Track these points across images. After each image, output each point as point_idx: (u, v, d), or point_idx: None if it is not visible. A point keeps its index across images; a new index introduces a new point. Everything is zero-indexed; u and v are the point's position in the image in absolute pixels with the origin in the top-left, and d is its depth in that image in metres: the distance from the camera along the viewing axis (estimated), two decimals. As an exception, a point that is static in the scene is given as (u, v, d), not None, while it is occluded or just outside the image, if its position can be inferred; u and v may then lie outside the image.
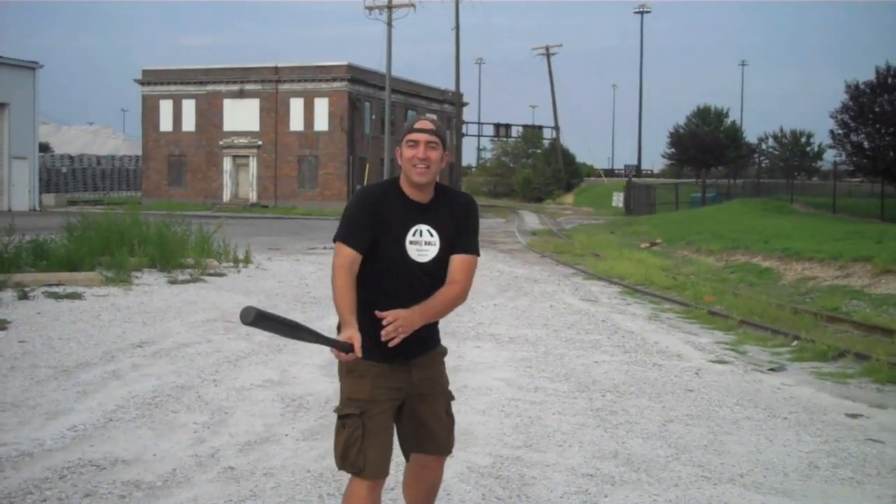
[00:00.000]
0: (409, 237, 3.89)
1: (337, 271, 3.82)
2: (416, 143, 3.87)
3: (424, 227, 3.91)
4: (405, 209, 3.89)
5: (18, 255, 15.13)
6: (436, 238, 3.92)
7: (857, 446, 6.80)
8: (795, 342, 11.33)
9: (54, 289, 13.52)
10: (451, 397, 4.20)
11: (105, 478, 5.62)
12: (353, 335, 3.66)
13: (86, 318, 11.39)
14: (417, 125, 3.92)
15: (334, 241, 3.90)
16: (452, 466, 5.88)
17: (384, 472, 3.89)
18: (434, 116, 4.04)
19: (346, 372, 3.92)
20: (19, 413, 7.02)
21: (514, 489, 5.59)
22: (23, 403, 7.30)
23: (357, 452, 3.81)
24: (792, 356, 10.65)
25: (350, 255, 3.84)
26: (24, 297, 12.67)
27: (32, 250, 15.73)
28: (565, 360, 9.79)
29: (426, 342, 4.02)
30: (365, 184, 55.44)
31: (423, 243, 3.89)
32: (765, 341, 11.65)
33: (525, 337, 11.24)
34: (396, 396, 3.96)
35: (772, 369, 9.82)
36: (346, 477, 4.80)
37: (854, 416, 7.77)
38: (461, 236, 3.99)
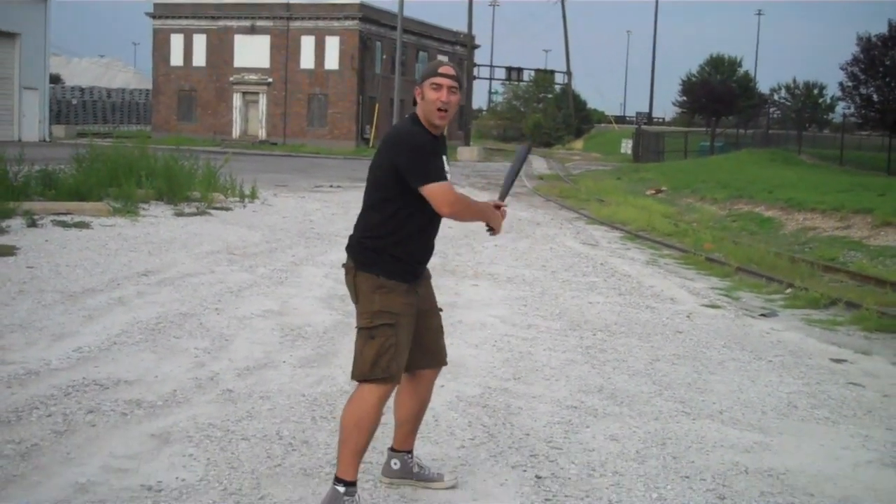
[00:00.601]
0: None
1: (457, 196, 4.16)
2: (439, 87, 4.13)
3: (444, 158, 4.26)
4: (434, 143, 4.18)
5: (28, 183, 15.35)
6: (448, 167, 4.28)
7: (837, 389, 7.00)
8: (789, 290, 11.51)
9: (62, 217, 13.74)
10: (440, 309, 4.59)
11: (108, 396, 5.85)
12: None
13: (93, 247, 11.61)
14: (441, 70, 4.16)
15: (427, 184, 4.07)
16: (442, 395, 6.11)
17: (400, 381, 4.26)
18: (446, 59, 4.26)
19: (372, 289, 4.15)
20: (26, 334, 7.25)
21: (500, 418, 5.82)
22: (30, 325, 7.53)
23: (389, 360, 4.11)
24: (785, 303, 10.83)
25: (447, 185, 4.13)
26: (32, 224, 12.89)
27: (41, 179, 15.95)
28: (560, 300, 9.99)
29: (428, 261, 4.44)
30: (374, 124, 55.46)
31: (446, 172, 4.22)
32: (759, 288, 11.83)
33: (523, 277, 11.44)
34: (413, 313, 4.26)
35: (763, 315, 10.02)
36: (340, 402, 5.00)
37: (838, 360, 7.97)
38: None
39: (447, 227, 16.03)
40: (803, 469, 5.20)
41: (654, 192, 28.77)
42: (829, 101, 67.14)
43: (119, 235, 12.75)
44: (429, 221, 4.25)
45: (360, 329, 4.20)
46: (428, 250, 4.37)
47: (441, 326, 4.55)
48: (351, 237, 4.28)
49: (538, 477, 4.85)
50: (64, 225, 13.18)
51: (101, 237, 12.50)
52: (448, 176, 4.20)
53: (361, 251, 4.20)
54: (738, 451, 5.44)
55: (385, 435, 4.91)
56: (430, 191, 4.06)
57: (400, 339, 4.16)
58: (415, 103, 4.25)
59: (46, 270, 9.89)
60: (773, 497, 4.76)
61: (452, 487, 4.62)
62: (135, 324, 7.77)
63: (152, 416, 5.52)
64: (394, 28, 53.16)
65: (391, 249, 4.16)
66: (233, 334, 7.66)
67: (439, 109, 4.12)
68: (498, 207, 4.44)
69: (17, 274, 9.61)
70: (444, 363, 4.56)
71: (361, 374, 4.15)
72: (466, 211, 4.25)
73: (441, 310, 4.59)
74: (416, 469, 4.60)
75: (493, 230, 4.42)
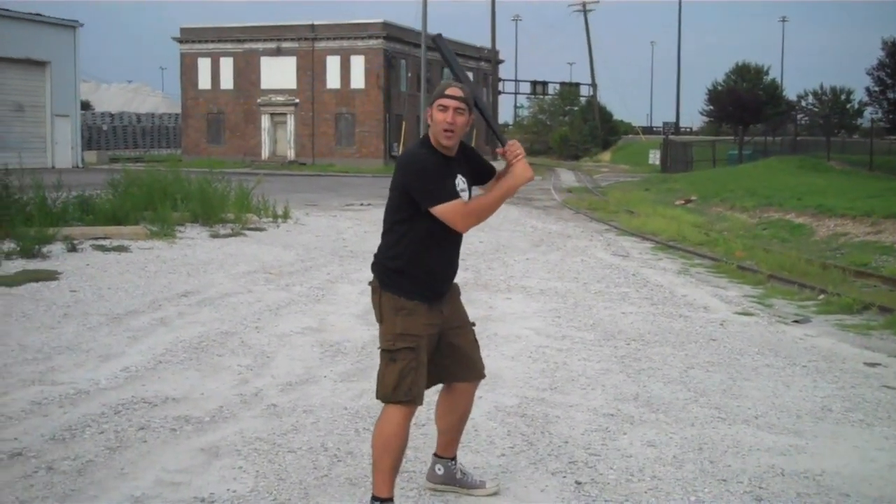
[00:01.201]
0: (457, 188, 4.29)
1: (468, 210, 4.20)
2: (445, 109, 4.22)
3: (459, 177, 4.32)
4: (445, 164, 4.27)
5: (66, 209, 15.66)
6: (465, 185, 4.34)
7: (871, 392, 7.06)
8: (822, 296, 11.55)
9: (101, 242, 14.03)
10: (473, 323, 4.67)
11: (157, 413, 6.04)
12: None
13: (133, 270, 11.86)
14: (448, 91, 4.25)
15: (435, 205, 4.15)
16: (481, 406, 6.25)
17: (422, 401, 4.32)
18: (465, 85, 4.35)
19: (394, 311, 4.27)
20: (74, 356, 7.47)
21: (538, 426, 5.94)
22: (77, 347, 7.75)
23: (411, 383, 4.23)
24: (818, 309, 10.88)
25: (457, 203, 4.18)
26: (73, 249, 13.17)
27: (79, 205, 16.26)
28: (593, 311, 10.10)
29: (452, 279, 4.49)
30: (402, 141, 55.73)
31: (460, 191, 4.28)
32: (792, 295, 11.88)
33: (555, 289, 11.56)
34: (434, 333, 4.36)
35: (796, 321, 10.07)
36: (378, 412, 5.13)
37: (872, 364, 8.02)
38: (482, 168, 4.53)
39: (478, 242, 16.23)
40: (838, 470, 5.28)
41: (683, 202, 28.78)
42: (856, 106, 66.81)
43: (157, 258, 13.01)
44: (446, 239, 4.31)
45: (382, 350, 4.32)
46: (450, 268, 4.44)
47: (475, 340, 4.63)
48: (374, 257, 4.42)
49: (578, 483, 4.97)
50: (103, 249, 13.46)
51: (140, 260, 12.75)
52: (463, 194, 4.28)
53: (384, 272, 4.32)
54: (774, 454, 5.53)
55: (428, 445, 5.04)
56: (440, 212, 4.16)
57: (420, 360, 4.26)
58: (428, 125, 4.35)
59: (89, 294, 10.13)
60: (809, 498, 4.85)
61: (495, 494, 4.75)
62: (178, 343, 7.97)
63: (201, 432, 5.69)
64: (418, 45, 53.50)
65: (411, 270, 4.26)
66: (274, 351, 7.83)
67: (445, 130, 4.20)
68: (506, 167, 4.38)
69: (62, 298, 9.86)
70: (482, 376, 4.65)
71: (385, 396, 4.28)
72: (485, 214, 4.29)
73: (474, 324, 4.68)
74: (459, 475, 4.74)
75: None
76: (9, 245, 12.80)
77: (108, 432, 5.63)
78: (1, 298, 9.68)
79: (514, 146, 4.32)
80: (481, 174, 4.52)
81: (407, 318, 4.25)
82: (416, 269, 4.27)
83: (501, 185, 4.30)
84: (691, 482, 5.01)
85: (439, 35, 4.50)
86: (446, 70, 62.48)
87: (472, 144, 4.57)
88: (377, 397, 4.34)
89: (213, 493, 4.72)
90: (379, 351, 4.35)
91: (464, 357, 4.53)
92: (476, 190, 4.41)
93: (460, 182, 4.32)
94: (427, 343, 4.31)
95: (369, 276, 4.49)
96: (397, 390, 4.23)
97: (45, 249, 12.87)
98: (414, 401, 4.26)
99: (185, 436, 5.62)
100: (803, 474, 5.20)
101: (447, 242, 4.34)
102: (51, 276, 11.07)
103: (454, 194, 4.21)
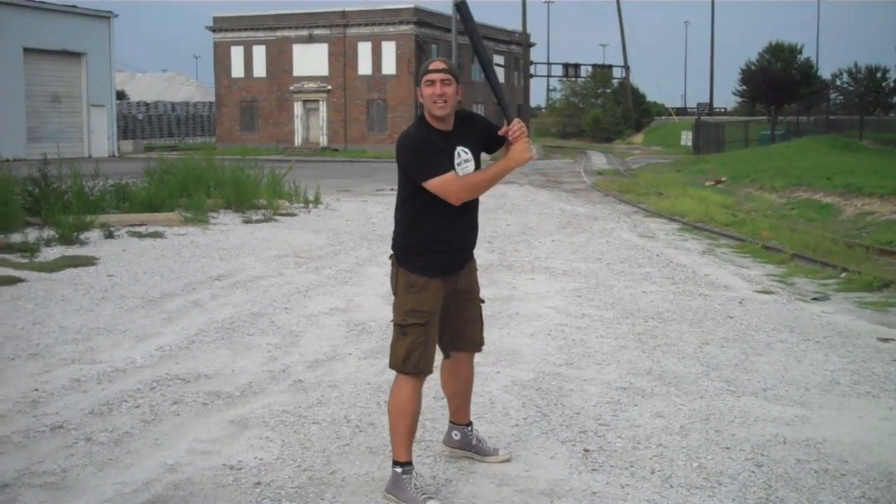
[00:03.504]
0: (455, 160, 4.47)
1: (461, 184, 4.37)
2: (432, 83, 4.42)
3: (460, 149, 4.51)
4: (441, 139, 4.47)
5: (103, 197, 16.10)
6: (470, 155, 4.54)
7: (882, 366, 7.23)
8: (844, 274, 11.66)
9: (137, 228, 14.45)
10: (482, 301, 4.91)
11: (189, 389, 6.37)
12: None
13: (168, 255, 12.24)
14: (432, 66, 4.47)
15: (427, 180, 4.35)
16: (498, 380, 6.55)
17: (432, 370, 4.59)
18: (444, 59, 4.58)
19: (407, 287, 4.52)
20: (112, 337, 7.82)
21: (552, 399, 6.20)
22: (114, 329, 8.11)
23: (420, 356, 4.50)
24: (838, 287, 11.00)
25: (449, 176, 4.37)
26: (109, 236, 13.58)
27: (115, 193, 16.72)
28: (614, 291, 10.32)
29: (471, 254, 4.74)
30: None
31: (463, 161, 4.49)
32: (814, 274, 12.00)
33: (578, 270, 11.78)
34: (442, 305, 4.61)
35: (815, 299, 10.21)
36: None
37: (886, 339, 8.16)
38: (490, 134, 4.65)
39: (506, 225, 16.43)
40: (840, 439, 5.49)
41: (713, 182, 28.80)
42: (892, 84, 66.00)
43: (192, 243, 13.38)
44: (456, 211, 4.46)
45: (394, 323, 4.58)
46: (467, 239, 4.63)
47: (479, 317, 4.85)
48: (393, 232, 4.66)
49: (586, 450, 5.22)
50: (139, 235, 13.86)
51: (174, 245, 13.13)
52: (468, 164, 4.46)
53: (399, 249, 4.57)
54: (779, 424, 5.75)
55: (445, 416, 5.32)
56: (432, 186, 4.36)
57: (430, 335, 4.52)
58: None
59: (126, 278, 10.50)
60: (808, 464, 5.07)
61: (507, 461, 5.02)
62: (211, 324, 8.31)
63: (231, 406, 6.01)
64: (448, 30, 53.64)
65: (423, 245, 4.48)
66: (302, 331, 8.15)
67: (436, 102, 4.40)
68: (508, 147, 4.54)
69: (99, 282, 10.23)
70: (478, 349, 4.89)
71: (395, 366, 4.55)
72: (478, 189, 4.45)
73: (483, 300, 4.91)
74: (474, 441, 5.03)
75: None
76: (48, 232, 13.22)
77: (144, 406, 5.96)
78: (42, 283, 10.07)
79: (517, 126, 4.49)
80: (491, 140, 4.64)
81: (418, 294, 4.49)
82: (427, 243, 4.48)
83: (499, 163, 4.48)
84: (695, 449, 5.25)
85: (463, 2, 4.59)
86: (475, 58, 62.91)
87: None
88: (389, 366, 4.60)
89: (241, 460, 5.03)
90: (392, 323, 4.62)
91: (464, 327, 4.77)
92: (486, 159, 4.57)
93: (462, 153, 4.48)
94: (438, 316, 4.57)
95: (398, 260, 4.72)
96: (406, 363, 4.50)
97: (83, 236, 13.28)
98: (421, 373, 4.53)
99: (216, 409, 5.94)
100: (805, 442, 5.41)
101: (458, 215, 4.50)
102: (89, 261, 11.46)
103: (442, 169, 4.37)
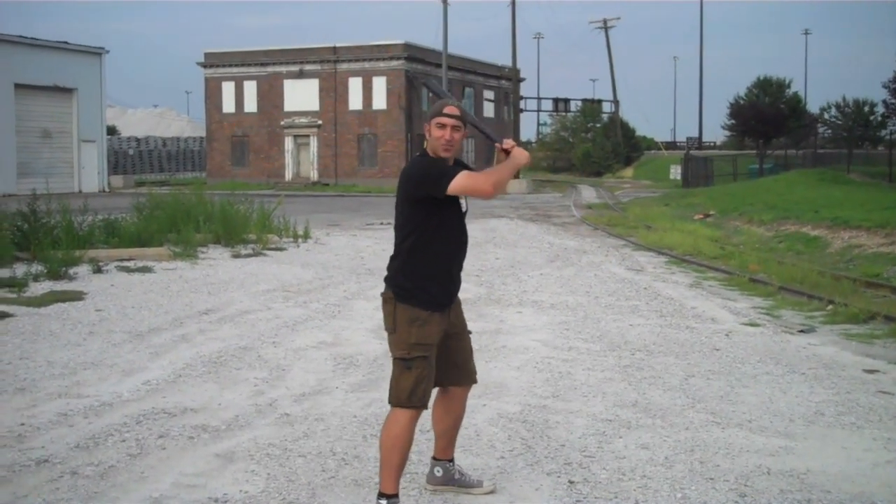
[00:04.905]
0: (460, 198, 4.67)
1: (485, 176, 4.55)
2: (443, 126, 4.61)
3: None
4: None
5: (92, 232, 16.13)
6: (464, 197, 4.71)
7: (866, 398, 7.27)
8: (830, 306, 11.73)
9: (126, 263, 14.47)
10: (470, 332, 5.02)
11: (176, 423, 6.37)
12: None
13: (156, 289, 12.25)
14: (446, 110, 4.62)
15: (451, 184, 4.48)
16: (484, 413, 6.56)
17: (428, 405, 4.68)
18: (459, 103, 4.75)
19: (409, 322, 4.58)
20: (99, 371, 7.83)
21: (538, 431, 6.22)
22: (101, 363, 8.11)
23: (424, 390, 4.60)
24: (825, 319, 11.06)
25: (471, 173, 4.58)
26: (98, 270, 13.59)
27: (105, 228, 16.74)
28: (601, 324, 10.36)
29: (460, 286, 4.85)
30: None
31: (461, 198, 4.68)
32: (801, 306, 12.06)
33: (566, 303, 11.82)
34: (440, 338, 4.70)
35: (801, 331, 10.26)
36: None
37: (871, 371, 8.22)
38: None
39: (494, 259, 16.49)
40: (824, 469, 5.52)
41: (701, 216, 28.94)
42: (879, 118, 66.59)
43: (180, 278, 13.40)
44: (456, 241, 4.69)
45: (396, 359, 4.63)
46: (460, 270, 4.80)
47: (471, 347, 4.97)
48: (388, 268, 4.72)
49: (571, 482, 5.24)
50: (128, 270, 13.87)
51: (163, 280, 13.15)
52: (462, 201, 4.65)
53: (398, 285, 4.63)
54: (763, 455, 5.78)
55: (431, 449, 5.34)
56: (461, 184, 4.50)
57: (432, 367, 4.63)
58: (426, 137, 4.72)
59: (114, 312, 10.51)
60: (791, 494, 5.10)
61: (491, 492, 5.04)
62: (198, 358, 8.32)
63: (217, 439, 6.01)
64: (439, 66, 54.02)
65: (429, 280, 4.60)
66: (289, 364, 8.16)
67: (444, 146, 4.60)
68: (507, 152, 4.78)
69: (87, 317, 10.24)
70: (474, 381, 4.98)
71: (399, 401, 4.61)
72: (502, 179, 4.62)
73: (471, 332, 5.02)
74: (457, 476, 5.04)
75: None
76: (37, 268, 13.22)
77: (130, 440, 5.97)
78: (29, 318, 10.07)
79: (511, 140, 4.82)
80: None
81: (421, 328, 4.57)
82: (433, 278, 4.60)
83: (507, 161, 4.71)
84: (679, 480, 5.27)
85: (429, 78, 4.93)
86: (467, 89, 62.72)
87: (471, 157, 4.93)
88: (390, 402, 4.65)
89: (227, 493, 5.03)
90: (392, 359, 4.66)
91: (460, 362, 4.85)
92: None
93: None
94: (435, 349, 4.65)
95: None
96: (412, 396, 4.56)
97: (71, 271, 13.29)
98: (425, 406, 4.62)
99: (202, 443, 5.94)
100: (788, 473, 5.44)
101: (458, 244, 4.70)
102: (77, 296, 11.47)
103: (457, 171, 4.55)
